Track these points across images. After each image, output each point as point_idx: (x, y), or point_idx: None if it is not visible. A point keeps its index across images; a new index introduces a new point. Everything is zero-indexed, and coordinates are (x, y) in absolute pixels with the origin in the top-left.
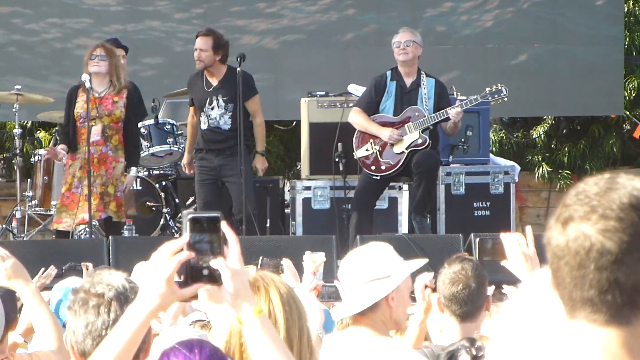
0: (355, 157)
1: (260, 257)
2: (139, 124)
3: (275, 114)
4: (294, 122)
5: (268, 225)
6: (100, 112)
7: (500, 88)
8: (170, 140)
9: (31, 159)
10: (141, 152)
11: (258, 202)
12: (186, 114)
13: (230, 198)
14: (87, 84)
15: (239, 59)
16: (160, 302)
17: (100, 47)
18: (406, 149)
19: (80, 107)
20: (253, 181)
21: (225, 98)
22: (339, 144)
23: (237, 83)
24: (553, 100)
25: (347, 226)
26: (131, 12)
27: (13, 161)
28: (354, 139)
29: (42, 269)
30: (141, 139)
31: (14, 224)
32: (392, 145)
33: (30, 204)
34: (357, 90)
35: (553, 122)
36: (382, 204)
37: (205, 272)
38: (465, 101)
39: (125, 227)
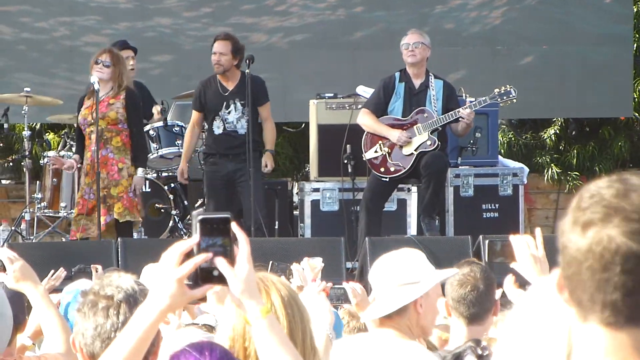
0: (364, 159)
1: (270, 262)
2: (148, 126)
3: (283, 115)
4: (303, 124)
5: (277, 227)
6: (93, 117)
7: (509, 89)
8: (179, 142)
9: (40, 161)
10: (150, 154)
11: (266, 204)
12: None
13: (240, 202)
14: (96, 86)
15: (247, 61)
16: (170, 302)
17: (107, 52)
18: (415, 150)
19: (81, 114)
20: (262, 183)
21: (242, 102)
22: (348, 145)
23: (246, 85)
24: (562, 102)
25: (355, 228)
26: (140, 9)
27: (22, 163)
28: (362, 140)
29: (52, 271)
30: (150, 141)
31: (23, 226)
32: (401, 146)
33: (39, 206)
34: (365, 91)
35: (562, 123)
36: (390, 206)
37: (216, 272)
38: (474, 102)
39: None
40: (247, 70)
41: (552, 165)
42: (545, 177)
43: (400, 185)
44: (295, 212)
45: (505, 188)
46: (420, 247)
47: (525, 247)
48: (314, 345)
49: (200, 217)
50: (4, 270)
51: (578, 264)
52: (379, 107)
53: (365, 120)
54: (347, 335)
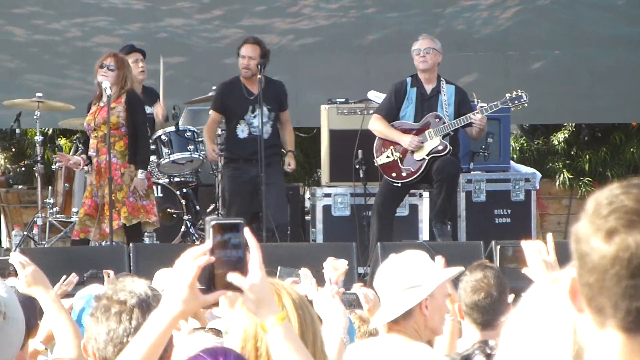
0: (375, 164)
1: (279, 267)
2: (160, 131)
3: (295, 120)
4: (315, 130)
5: (288, 232)
6: (98, 121)
7: (520, 94)
8: (191, 147)
9: (52, 166)
10: (162, 160)
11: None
12: (207, 120)
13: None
14: (109, 91)
15: (259, 66)
16: (183, 308)
17: (112, 56)
18: (427, 155)
19: (86, 119)
20: (284, 188)
21: (268, 107)
22: (359, 150)
23: (259, 88)
24: (573, 107)
25: (367, 233)
26: (152, 11)
27: (34, 168)
28: (374, 145)
29: (64, 277)
30: (162, 146)
31: (35, 231)
32: (413, 152)
33: (51, 211)
34: (377, 97)
35: (573, 128)
36: (402, 211)
37: (229, 278)
38: (485, 107)
39: (146, 233)
40: (259, 76)
41: (564, 170)
42: (557, 183)
43: (412, 191)
44: (307, 217)
45: (517, 193)
46: (432, 253)
47: (536, 252)
48: (324, 349)
49: (213, 222)
50: (16, 274)
51: (602, 271)
52: (390, 113)
53: (377, 125)
54: (358, 341)
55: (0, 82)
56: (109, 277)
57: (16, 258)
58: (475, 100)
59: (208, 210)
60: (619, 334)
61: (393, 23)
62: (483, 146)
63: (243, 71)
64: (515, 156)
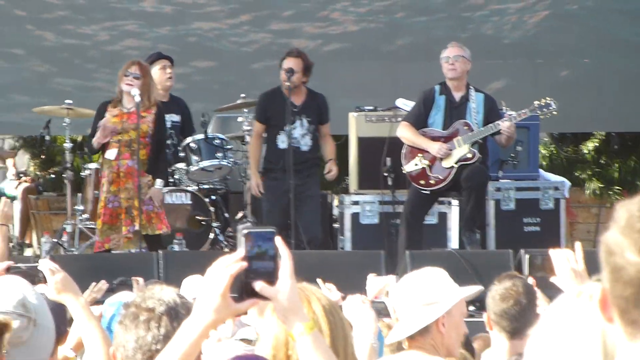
0: (404, 172)
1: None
2: (189, 139)
3: None
4: (343, 137)
5: (320, 245)
6: (127, 126)
7: (549, 102)
8: (220, 154)
9: (81, 173)
10: (191, 167)
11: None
12: (236, 128)
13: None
14: (137, 98)
15: (288, 75)
16: (215, 317)
17: (136, 64)
18: (455, 163)
19: (110, 120)
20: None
21: (309, 119)
22: (388, 158)
23: (285, 102)
24: (603, 115)
25: (396, 241)
26: (181, 15)
27: (63, 175)
28: (402, 153)
29: (93, 284)
30: (191, 153)
31: (65, 237)
32: (441, 159)
33: (80, 217)
34: (405, 104)
35: (603, 137)
36: (431, 219)
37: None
38: (514, 115)
39: (175, 241)
40: (287, 83)
41: (594, 179)
42: (587, 191)
43: (440, 199)
44: (335, 225)
45: (546, 202)
46: (461, 261)
47: (565, 261)
48: (355, 354)
49: (245, 231)
50: (46, 281)
51: (639, 285)
52: (419, 120)
53: (405, 133)
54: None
55: (30, 87)
56: (138, 284)
57: (46, 265)
58: (504, 108)
59: (237, 217)
60: None
61: (421, 28)
62: (512, 154)
63: (284, 84)
64: (544, 164)
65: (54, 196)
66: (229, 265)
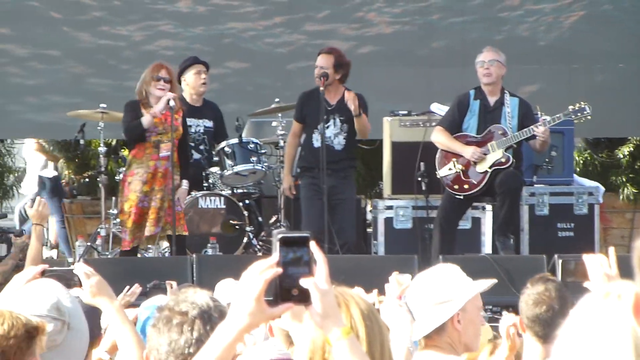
0: (438, 177)
1: None
2: (223, 143)
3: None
4: (377, 142)
5: (353, 249)
6: (167, 128)
7: (583, 106)
8: (254, 159)
9: (115, 177)
10: (225, 171)
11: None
12: (270, 132)
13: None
14: (172, 103)
15: (322, 78)
16: (250, 321)
17: (164, 67)
18: (489, 168)
19: (147, 121)
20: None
21: (342, 118)
22: (422, 163)
23: (320, 100)
24: (638, 120)
25: (429, 246)
26: (216, 15)
27: (98, 179)
28: (436, 158)
29: (127, 287)
30: (225, 157)
31: (99, 241)
32: (475, 164)
33: (114, 221)
34: (440, 109)
35: (638, 142)
36: (465, 224)
37: (295, 291)
38: (548, 119)
39: (208, 245)
40: (321, 88)
41: (628, 184)
42: (621, 196)
43: (474, 204)
44: (369, 230)
45: (580, 207)
46: (495, 266)
47: (598, 266)
48: (392, 358)
49: (280, 235)
50: (81, 285)
51: None
52: (453, 125)
53: (439, 137)
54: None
55: (65, 88)
56: (171, 287)
57: (81, 268)
58: (539, 112)
59: (270, 221)
60: None
61: (456, 30)
62: (546, 159)
63: (315, 80)
64: (578, 169)
65: (87, 200)
66: (263, 269)
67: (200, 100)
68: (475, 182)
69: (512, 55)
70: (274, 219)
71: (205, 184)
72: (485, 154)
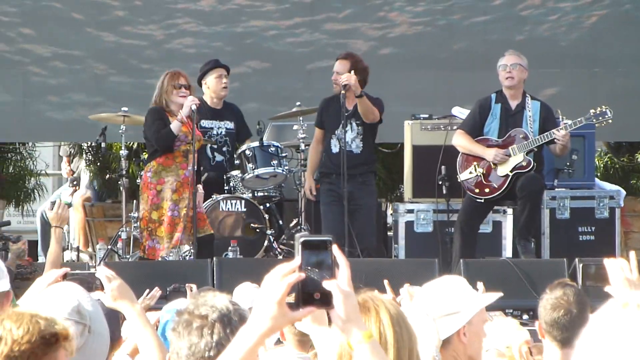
0: (459, 180)
1: None
2: (244, 146)
3: (378, 136)
4: (398, 145)
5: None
6: (195, 136)
7: (604, 110)
8: (275, 162)
9: (137, 180)
10: (246, 174)
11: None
12: (291, 136)
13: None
14: (194, 107)
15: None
16: (271, 325)
17: (182, 75)
18: (510, 171)
19: (177, 127)
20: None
21: (358, 122)
22: (443, 166)
23: (340, 106)
24: None
25: (450, 250)
26: (238, 14)
27: (119, 182)
28: (457, 161)
29: (147, 290)
30: (246, 161)
31: (120, 244)
32: (496, 167)
33: (135, 225)
34: (461, 112)
35: None
36: (486, 228)
37: (317, 295)
38: (569, 123)
39: (229, 248)
40: (342, 92)
41: None
42: None
43: (495, 207)
44: (390, 233)
45: (601, 211)
46: (515, 270)
47: (619, 270)
48: None
49: (302, 239)
50: (102, 288)
51: None
52: (474, 128)
53: (461, 141)
54: None
55: (88, 87)
56: (191, 291)
57: (103, 272)
58: (560, 116)
59: (291, 225)
60: None
61: (477, 31)
62: (567, 163)
63: (334, 86)
64: (599, 173)
65: (109, 203)
66: (285, 273)
67: (221, 103)
68: (496, 186)
69: (533, 57)
70: (294, 222)
71: (226, 187)
72: (507, 155)
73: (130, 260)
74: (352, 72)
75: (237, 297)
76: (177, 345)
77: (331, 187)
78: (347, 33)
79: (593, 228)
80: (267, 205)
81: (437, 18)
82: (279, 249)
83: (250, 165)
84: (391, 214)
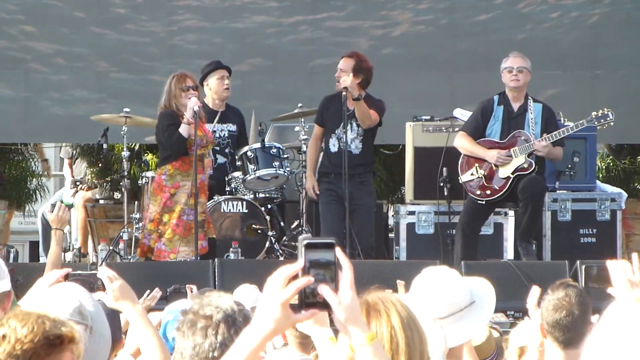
0: (460, 182)
1: None
2: (245, 148)
3: (380, 137)
4: (400, 147)
5: (373, 253)
6: (208, 139)
7: (606, 112)
8: (276, 163)
9: (138, 181)
10: (247, 176)
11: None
12: (292, 137)
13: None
14: (196, 108)
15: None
16: (275, 327)
17: (188, 77)
18: (512, 173)
19: (186, 130)
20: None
21: (358, 123)
22: (444, 168)
23: (342, 103)
24: None
25: (451, 252)
26: (240, 11)
27: (120, 183)
28: (459, 163)
29: (148, 291)
30: (247, 162)
31: (121, 245)
32: (498, 169)
33: (137, 226)
34: (462, 114)
35: None
36: (487, 230)
37: (320, 297)
38: (571, 126)
39: (230, 249)
40: (343, 93)
41: None
42: None
43: (497, 209)
44: (391, 235)
45: (603, 213)
46: (517, 272)
47: (621, 271)
48: None
49: (305, 241)
50: (104, 289)
51: None
52: (476, 130)
53: (462, 142)
54: None
55: (90, 85)
56: (191, 292)
57: (104, 272)
58: (562, 118)
59: (292, 226)
60: None
61: (479, 30)
62: (569, 165)
63: (337, 84)
64: (600, 175)
65: (110, 204)
66: (288, 275)
67: (223, 105)
68: (498, 188)
69: (535, 59)
70: (295, 223)
71: (228, 189)
72: (509, 157)
73: (132, 260)
74: (352, 74)
75: (236, 298)
76: (182, 345)
77: (330, 186)
78: (348, 31)
79: (594, 230)
80: (269, 206)
81: (439, 17)
82: (280, 250)
83: (251, 166)
84: (392, 216)
